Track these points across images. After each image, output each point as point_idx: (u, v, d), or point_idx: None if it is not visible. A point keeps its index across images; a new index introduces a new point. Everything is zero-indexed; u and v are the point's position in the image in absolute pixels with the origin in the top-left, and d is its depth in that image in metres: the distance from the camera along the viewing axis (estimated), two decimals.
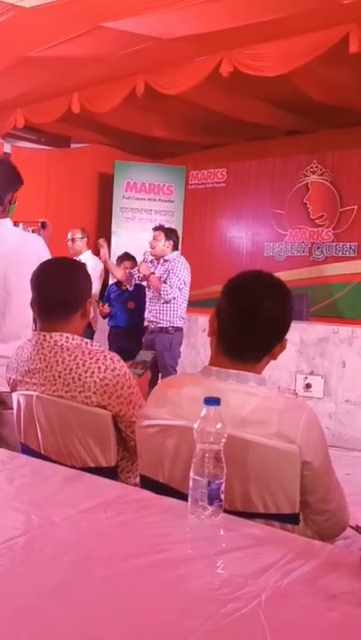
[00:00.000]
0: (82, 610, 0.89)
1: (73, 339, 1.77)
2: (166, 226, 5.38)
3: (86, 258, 5.32)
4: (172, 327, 4.86)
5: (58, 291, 1.81)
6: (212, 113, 6.47)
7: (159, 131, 7.39)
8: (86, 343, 1.79)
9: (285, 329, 1.47)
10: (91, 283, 1.91)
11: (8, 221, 2.39)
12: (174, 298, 4.80)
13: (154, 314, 4.89)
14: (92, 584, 0.96)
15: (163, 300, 4.78)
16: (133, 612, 0.89)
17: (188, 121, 7.04)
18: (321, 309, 6.90)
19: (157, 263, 4.94)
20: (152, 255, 4.97)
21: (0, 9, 4.16)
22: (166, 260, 4.89)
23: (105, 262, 5.30)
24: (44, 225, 4.24)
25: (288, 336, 1.48)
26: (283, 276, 1.54)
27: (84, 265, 2.00)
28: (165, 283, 4.78)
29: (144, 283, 5.07)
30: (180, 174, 8.41)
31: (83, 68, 5.28)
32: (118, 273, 5.33)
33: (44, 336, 1.77)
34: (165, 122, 7.16)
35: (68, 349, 1.74)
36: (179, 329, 4.92)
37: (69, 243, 5.55)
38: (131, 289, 5.43)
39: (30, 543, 1.07)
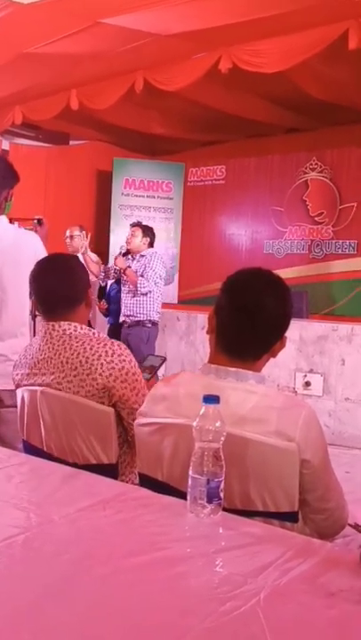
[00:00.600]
0: (81, 608, 0.89)
1: (81, 328, 1.81)
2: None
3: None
4: (149, 320, 4.98)
5: (60, 288, 1.84)
6: (212, 110, 6.46)
7: (158, 127, 7.38)
8: (93, 332, 1.84)
9: (285, 326, 1.47)
10: (87, 273, 1.96)
11: (3, 218, 2.38)
12: (150, 291, 4.92)
13: (130, 307, 4.99)
14: (91, 582, 0.96)
15: (139, 293, 4.90)
16: (132, 610, 0.89)
17: (187, 118, 7.03)
18: (322, 307, 6.90)
19: (133, 259, 5.08)
20: (128, 250, 5.11)
21: None
22: (142, 256, 5.02)
23: (83, 254, 5.29)
24: (40, 222, 4.23)
25: (288, 334, 1.48)
26: (282, 273, 1.53)
27: (76, 257, 2.03)
28: (142, 276, 4.91)
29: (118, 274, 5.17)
30: (179, 171, 8.40)
31: (81, 64, 5.27)
32: (95, 268, 5.34)
33: (53, 325, 1.81)
34: (164, 119, 7.15)
35: (76, 337, 1.78)
36: (155, 323, 5.04)
37: (68, 240, 5.54)
38: (111, 281, 5.44)
39: (29, 541, 1.07)
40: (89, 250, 5.52)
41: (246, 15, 4.27)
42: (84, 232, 5.61)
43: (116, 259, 5.15)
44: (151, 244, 5.13)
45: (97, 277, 5.34)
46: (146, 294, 4.93)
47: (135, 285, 4.91)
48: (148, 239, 5.10)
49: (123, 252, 5.16)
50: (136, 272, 4.97)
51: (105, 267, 5.40)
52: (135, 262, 5.05)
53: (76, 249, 5.49)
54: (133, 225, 5.24)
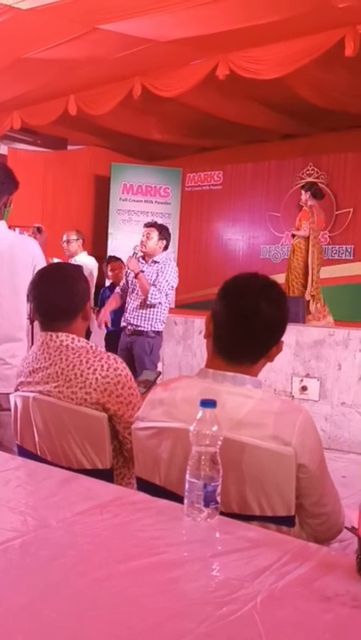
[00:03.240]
0: (77, 612, 0.89)
1: (79, 340, 1.80)
2: None
3: (81, 259, 5.31)
4: (153, 331, 4.59)
5: (58, 298, 1.82)
6: (209, 116, 6.49)
7: (156, 133, 7.41)
8: (91, 346, 1.82)
9: (282, 331, 1.47)
10: (88, 285, 1.92)
11: (2, 224, 2.39)
12: (160, 303, 4.54)
13: (134, 315, 4.59)
14: (87, 586, 0.96)
15: (148, 303, 4.50)
16: (129, 614, 0.89)
17: (185, 123, 7.06)
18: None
19: (146, 263, 4.62)
20: (143, 252, 4.64)
21: None
22: (155, 262, 4.59)
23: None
24: (39, 230, 4.24)
25: (284, 338, 1.48)
26: (279, 278, 1.55)
27: (80, 268, 2.02)
28: (154, 285, 4.50)
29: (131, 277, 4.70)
30: (176, 176, 8.43)
31: (79, 70, 5.29)
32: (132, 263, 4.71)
33: (50, 336, 1.80)
34: (162, 124, 7.18)
35: (73, 349, 1.77)
36: (159, 333, 4.66)
37: (64, 244, 5.55)
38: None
39: (26, 546, 1.07)
40: (85, 254, 5.47)
41: (244, 22, 4.30)
42: (81, 236, 5.61)
43: (129, 260, 4.66)
44: (166, 248, 4.66)
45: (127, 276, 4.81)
46: (155, 305, 4.54)
47: (146, 294, 4.48)
48: (165, 242, 4.61)
49: (138, 255, 4.66)
50: (148, 278, 4.53)
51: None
52: (147, 267, 4.58)
53: (73, 253, 5.48)
54: (148, 225, 4.69)
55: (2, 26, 4.37)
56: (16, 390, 1.88)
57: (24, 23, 4.32)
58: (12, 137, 7.41)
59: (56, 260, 4.56)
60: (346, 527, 1.42)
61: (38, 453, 1.78)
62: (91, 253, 5.89)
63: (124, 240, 7.63)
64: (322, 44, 4.47)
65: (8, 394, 1.93)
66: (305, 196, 5.94)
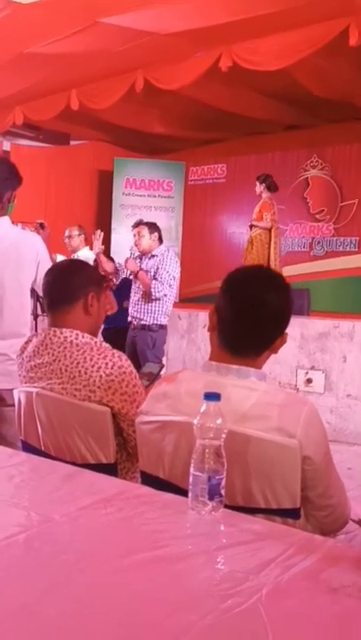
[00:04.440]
0: (81, 606, 0.88)
1: (83, 336, 1.79)
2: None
3: (84, 255, 5.29)
4: (156, 325, 4.63)
5: (55, 285, 1.86)
6: (212, 108, 6.47)
7: (158, 127, 7.39)
8: (95, 342, 1.81)
9: (286, 322, 1.46)
10: (93, 278, 1.92)
11: (6, 219, 2.39)
12: (165, 295, 4.57)
13: (138, 309, 4.64)
14: (91, 580, 0.96)
15: (154, 297, 4.54)
16: (134, 607, 0.89)
17: (188, 116, 7.03)
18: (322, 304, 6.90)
19: (145, 258, 4.67)
20: (139, 252, 4.71)
21: None
22: (154, 255, 4.63)
23: (97, 255, 5.03)
24: (42, 226, 4.25)
25: (289, 331, 1.47)
26: (283, 271, 1.54)
27: (84, 263, 2.03)
28: (156, 279, 4.53)
29: (131, 277, 4.80)
30: (179, 170, 8.41)
31: (81, 64, 5.27)
32: (109, 266, 5.01)
33: (55, 331, 1.80)
34: (165, 118, 7.16)
35: (77, 345, 1.76)
36: (163, 327, 4.67)
37: (66, 240, 5.52)
38: (116, 284, 5.25)
39: (30, 541, 1.07)
40: (88, 249, 5.47)
41: (246, 13, 4.27)
42: (84, 232, 5.59)
43: (126, 261, 4.72)
44: (160, 240, 4.71)
45: (111, 275, 4.99)
46: (160, 299, 4.57)
47: (149, 289, 4.53)
48: (157, 234, 4.67)
49: (135, 255, 4.77)
50: (147, 273, 4.59)
51: (118, 264, 5.03)
52: (147, 261, 4.64)
53: (75, 248, 5.47)
54: (136, 225, 4.81)
55: (3, 21, 4.35)
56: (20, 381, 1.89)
57: (25, 18, 4.31)
58: (15, 133, 7.40)
59: (59, 257, 4.58)
60: (352, 519, 1.42)
61: (42, 448, 1.78)
62: (93, 249, 5.88)
63: (127, 235, 7.61)
64: (325, 34, 4.43)
65: (12, 389, 1.93)
66: (260, 187, 6.02)
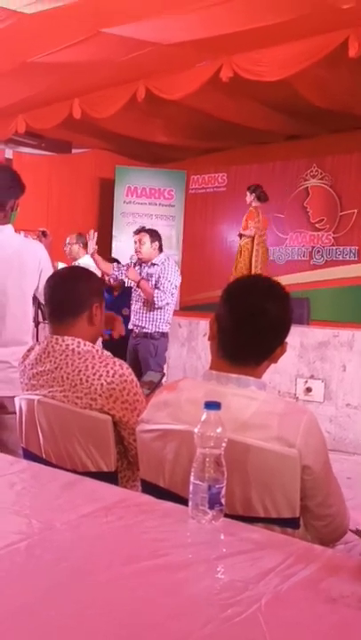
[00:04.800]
0: (81, 614, 0.89)
1: (85, 344, 1.80)
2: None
3: (84, 262, 5.30)
4: (158, 332, 4.62)
5: (61, 294, 1.86)
6: (213, 118, 6.50)
7: (160, 135, 7.42)
8: (97, 350, 1.81)
9: (286, 331, 1.47)
10: (96, 288, 1.93)
11: (9, 227, 2.40)
12: (167, 303, 4.57)
13: (139, 317, 4.64)
14: (92, 588, 0.96)
15: (157, 307, 4.53)
16: (133, 616, 0.89)
17: (189, 126, 7.07)
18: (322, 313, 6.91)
19: (145, 266, 4.67)
20: (140, 259, 4.70)
21: (2, 15, 4.18)
22: (154, 264, 4.62)
23: (92, 255, 4.97)
24: (44, 234, 4.26)
25: (288, 340, 1.48)
26: (283, 279, 1.55)
27: (87, 271, 2.03)
28: (158, 288, 4.54)
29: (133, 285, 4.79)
30: (180, 179, 8.44)
31: (84, 73, 5.30)
32: (106, 266, 4.93)
33: (57, 339, 1.80)
34: (166, 127, 7.19)
35: (79, 353, 1.77)
36: (164, 334, 4.67)
37: (67, 248, 5.53)
38: (112, 285, 5.24)
39: (31, 548, 1.07)
40: (89, 257, 5.48)
41: (247, 24, 4.30)
42: (83, 239, 5.58)
43: (128, 271, 4.69)
44: (161, 248, 4.72)
45: (109, 276, 4.98)
46: (163, 307, 4.55)
47: (151, 298, 4.51)
48: (158, 243, 4.66)
49: (134, 262, 4.76)
50: (148, 282, 4.57)
51: (116, 272, 4.97)
52: (147, 269, 4.64)
53: (75, 256, 5.48)
54: (138, 231, 4.77)
55: (7, 30, 4.39)
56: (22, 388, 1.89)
57: (29, 27, 4.34)
58: (17, 141, 7.43)
59: (61, 265, 4.60)
60: (350, 530, 1.42)
61: (43, 456, 1.78)
62: (88, 249, 5.89)
63: (128, 242, 7.64)
64: (326, 46, 4.46)
65: (14, 397, 1.94)
66: (250, 197, 6.16)
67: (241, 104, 6.24)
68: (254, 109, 6.45)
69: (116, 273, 4.95)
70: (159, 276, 4.57)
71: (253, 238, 6.07)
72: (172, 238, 8.21)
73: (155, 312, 4.60)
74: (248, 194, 6.20)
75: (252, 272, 5.94)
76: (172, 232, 8.27)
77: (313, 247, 7.70)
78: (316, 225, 7.68)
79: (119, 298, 5.52)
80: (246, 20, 4.25)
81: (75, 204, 8.17)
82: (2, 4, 4.04)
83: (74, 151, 8.28)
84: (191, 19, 4.27)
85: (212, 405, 1.20)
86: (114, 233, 8.18)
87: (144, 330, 4.63)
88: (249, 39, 4.55)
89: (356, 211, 7.35)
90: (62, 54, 4.83)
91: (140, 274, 4.65)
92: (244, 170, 8.16)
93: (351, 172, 7.40)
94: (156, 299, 4.51)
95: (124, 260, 5.60)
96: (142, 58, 4.90)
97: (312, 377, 4.84)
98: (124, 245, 7.68)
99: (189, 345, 5.62)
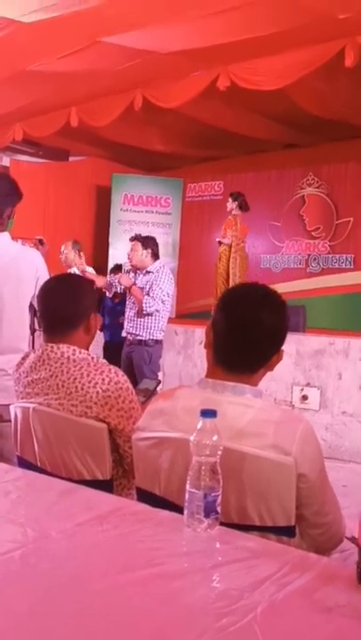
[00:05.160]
0: (76, 623, 0.89)
1: (80, 352, 1.80)
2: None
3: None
4: (152, 340, 4.65)
5: (60, 306, 1.84)
6: (210, 126, 6.53)
7: (157, 144, 7.45)
8: (92, 358, 1.81)
9: (282, 339, 1.47)
10: (94, 298, 1.94)
11: (6, 235, 2.40)
12: (157, 310, 4.60)
13: (133, 325, 4.68)
14: (87, 597, 0.96)
15: (145, 313, 4.57)
16: (128, 625, 0.89)
17: (186, 134, 7.10)
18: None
19: (140, 274, 4.73)
20: (131, 266, 4.79)
21: (1, 24, 4.20)
22: (149, 272, 4.68)
23: (82, 272, 5.02)
24: (41, 242, 4.27)
25: (284, 348, 1.49)
26: (279, 287, 1.55)
27: (88, 281, 2.03)
28: (148, 295, 4.58)
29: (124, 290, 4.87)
30: (177, 187, 8.46)
31: (81, 82, 5.33)
32: (100, 280, 5.03)
33: (52, 347, 1.80)
34: (163, 135, 7.22)
35: (74, 361, 1.77)
36: (158, 342, 4.72)
37: (62, 255, 5.52)
38: (110, 297, 5.27)
39: (26, 557, 1.07)
40: (86, 266, 5.49)
41: (244, 34, 4.33)
42: (79, 247, 5.59)
43: (120, 277, 4.80)
44: (155, 256, 4.76)
45: (105, 289, 5.07)
46: (152, 314, 4.60)
47: (141, 304, 4.56)
48: (150, 250, 4.70)
49: (128, 269, 4.84)
50: (142, 289, 4.63)
51: (109, 281, 5.12)
52: (142, 277, 4.69)
53: (70, 264, 5.48)
54: (132, 239, 4.85)
55: (5, 39, 4.41)
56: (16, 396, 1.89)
57: (27, 36, 4.36)
58: (14, 148, 7.45)
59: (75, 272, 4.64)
60: (346, 537, 1.42)
61: (38, 464, 1.78)
62: (91, 264, 5.90)
63: (124, 250, 7.62)
64: (322, 55, 4.50)
65: (9, 405, 1.94)
66: (232, 205, 6.23)
67: (238, 113, 6.27)
68: (251, 118, 6.48)
69: (113, 281, 4.99)
70: (151, 284, 4.61)
71: (231, 246, 6.15)
72: (168, 246, 8.23)
73: (148, 319, 4.63)
74: (230, 200, 6.27)
75: (230, 280, 6.11)
76: (168, 240, 8.29)
77: (309, 255, 7.72)
78: (313, 233, 7.70)
79: (119, 305, 5.54)
80: (243, 29, 4.28)
81: (72, 212, 8.19)
82: (0, 13, 4.06)
83: (71, 159, 8.30)
84: (189, 28, 4.30)
85: (208, 413, 1.20)
86: (110, 241, 8.19)
87: (138, 337, 4.66)
88: (246, 48, 4.58)
89: (351, 219, 7.38)
90: (60, 63, 4.85)
91: (135, 282, 4.69)
92: (241, 178, 8.19)
93: (347, 180, 7.44)
94: (144, 304, 4.54)
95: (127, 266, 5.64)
96: (140, 67, 4.93)
97: (308, 385, 4.85)
98: (120, 253, 7.68)
99: (185, 352, 5.63)
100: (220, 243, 6.28)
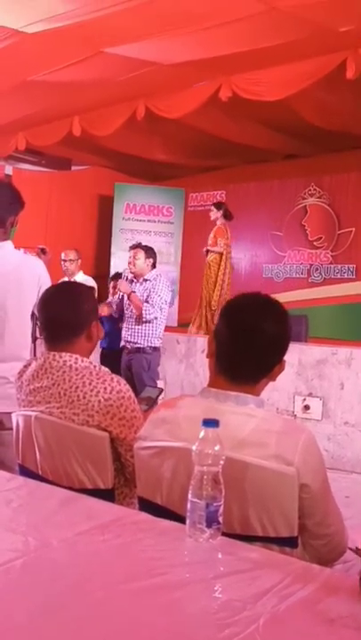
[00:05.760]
0: (77, 633, 0.88)
1: (82, 360, 1.80)
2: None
3: (80, 279, 5.32)
4: (150, 347, 4.75)
5: (62, 314, 1.84)
6: (212, 136, 6.56)
7: (159, 153, 7.48)
8: (95, 366, 1.81)
9: (284, 349, 1.47)
10: (96, 306, 1.94)
11: (9, 243, 2.41)
12: (156, 318, 4.70)
13: (131, 333, 4.77)
14: (88, 607, 0.95)
15: (144, 320, 4.67)
16: (129, 635, 0.88)
17: (188, 144, 7.13)
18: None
19: (137, 282, 4.83)
20: (132, 273, 4.88)
21: (4, 34, 4.24)
22: (146, 280, 4.78)
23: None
24: (43, 251, 4.28)
25: (287, 357, 1.48)
26: (281, 297, 1.55)
27: (89, 289, 2.03)
28: (147, 302, 4.67)
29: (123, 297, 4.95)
30: (179, 196, 8.49)
31: (84, 91, 5.36)
32: (104, 310, 5.13)
33: (54, 355, 1.80)
34: (165, 145, 7.25)
35: (76, 369, 1.76)
36: (156, 349, 4.82)
37: (64, 263, 5.52)
38: (116, 316, 5.30)
39: (27, 566, 1.07)
40: (82, 274, 5.52)
41: (246, 45, 4.36)
42: (79, 256, 5.60)
43: (120, 283, 4.89)
44: (154, 265, 4.90)
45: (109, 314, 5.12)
46: (151, 321, 4.70)
47: (140, 312, 4.66)
48: (152, 260, 4.85)
49: (128, 276, 4.92)
50: (141, 297, 4.73)
51: (109, 302, 5.22)
52: (139, 286, 4.80)
53: (73, 272, 5.49)
54: (133, 247, 4.97)
55: (8, 49, 4.44)
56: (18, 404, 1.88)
57: (30, 47, 4.39)
58: (17, 157, 7.48)
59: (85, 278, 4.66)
60: (349, 548, 1.41)
61: (40, 473, 1.77)
62: (93, 272, 5.91)
63: (126, 259, 7.66)
64: (323, 67, 4.53)
65: (11, 413, 1.93)
66: (216, 214, 6.30)
67: (240, 123, 6.30)
68: (253, 129, 6.51)
69: (114, 302, 5.09)
70: (150, 292, 4.72)
71: (222, 255, 6.19)
72: (170, 255, 8.24)
73: (146, 327, 4.72)
74: (215, 210, 6.33)
75: (221, 288, 6.19)
76: (170, 249, 8.31)
77: (311, 265, 7.72)
78: (315, 243, 7.71)
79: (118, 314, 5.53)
80: (246, 41, 4.31)
81: (74, 221, 8.21)
82: (3, 24, 4.10)
83: (73, 168, 8.34)
84: (191, 40, 4.33)
85: (211, 423, 1.20)
86: (112, 249, 8.21)
87: (137, 345, 4.75)
88: (248, 60, 4.62)
89: (353, 229, 7.39)
90: (63, 73, 4.88)
91: (133, 289, 4.78)
92: (243, 188, 8.21)
93: (349, 190, 7.45)
94: (144, 311, 4.65)
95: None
96: (142, 77, 4.96)
97: (310, 395, 4.83)
98: (122, 262, 7.70)
99: (187, 361, 5.62)
100: (207, 252, 6.31)
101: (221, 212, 6.25)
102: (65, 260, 5.51)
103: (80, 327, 1.84)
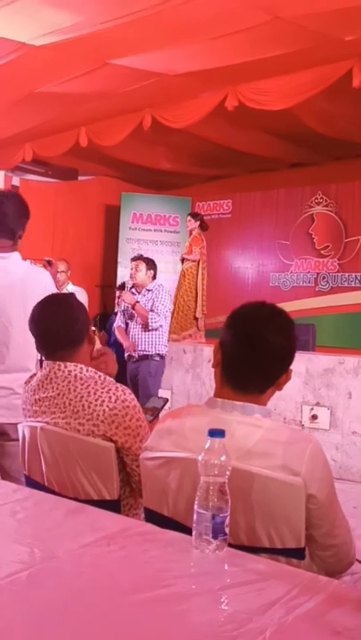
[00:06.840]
0: None
1: (87, 370, 1.80)
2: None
3: (71, 289, 5.35)
4: (157, 354, 4.95)
5: (59, 329, 1.82)
6: (218, 146, 6.58)
7: (165, 163, 7.51)
8: (99, 376, 1.81)
9: (290, 359, 1.47)
10: (86, 311, 1.95)
11: (17, 255, 2.43)
12: (161, 326, 4.91)
13: (139, 343, 4.95)
14: (94, 619, 0.95)
15: (151, 328, 4.86)
16: None
17: (194, 153, 7.15)
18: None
19: (139, 293, 5.03)
20: (134, 284, 5.10)
21: (11, 47, 4.28)
22: (149, 290, 4.99)
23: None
24: (50, 263, 4.30)
25: (294, 367, 1.48)
26: (289, 306, 1.55)
27: (73, 295, 2.04)
28: (153, 311, 4.89)
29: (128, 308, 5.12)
30: (185, 205, 8.51)
31: (90, 103, 5.40)
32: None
33: (59, 365, 1.80)
34: (171, 154, 7.28)
35: (81, 379, 1.77)
36: (163, 356, 5.02)
37: (59, 276, 5.52)
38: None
39: (33, 577, 1.06)
40: (71, 284, 5.55)
41: (251, 55, 4.38)
42: (67, 267, 5.64)
43: (124, 295, 5.12)
44: (155, 276, 5.11)
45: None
46: (157, 329, 4.90)
47: (146, 321, 4.87)
48: (153, 271, 5.07)
49: (129, 287, 5.15)
50: (145, 307, 4.94)
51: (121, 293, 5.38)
52: (141, 297, 4.99)
53: (63, 283, 5.51)
54: (135, 259, 5.19)
55: (15, 62, 4.48)
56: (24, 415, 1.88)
57: (37, 59, 4.43)
58: (24, 168, 7.53)
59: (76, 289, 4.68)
60: (357, 560, 1.40)
61: (45, 484, 1.77)
62: (100, 282, 5.94)
63: (129, 271, 7.68)
64: (329, 76, 4.54)
65: (17, 424, 1.93)
66: (194, 224, 6.41)
67: (246, 132, 6.32)
68: (259, 137, 6.53)
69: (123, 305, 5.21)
70: (153, 301, 4.94)
71: (198, 263, 6.27)
72: (177, 264, 8.25)
73: (152, 335, 4.91)
74: (192, 220, 6.45)
75: (198, 294, 6.29)
76: (177, 258, 8.32)
77: (318, 273, 7.71)
78: (322, 251, 7.70)
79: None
80: (251, 51, 4.33)
81: (80, 231, 8.25)
82: (10, 37, 4.14)
83: (80, 178, 8.38)
84: (197, 50, 4.35)
85: (217, 433, 1.19)
86: (119, 259, 8.23)
87: (145, 352, 4.92)
88: (253, 70, 4.63)
89: (360, 237, 7.38)
90: (69, 85, 4.92)
91: (138, 301, 4.97)
92: (249, 197, 8.22)
93: (355, 199, 7.45)
94: (150, 320, 4.86)
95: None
96: (148, 88, 4.99)
97: (318, 404, 4.81)
98: (128, 272, 7.72)
99: (194, 371, 5.61)
100: (183, 260, 6.41)
101: (198, 222, 6.43)
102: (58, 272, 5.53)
103: (81, 337, 1.85)
